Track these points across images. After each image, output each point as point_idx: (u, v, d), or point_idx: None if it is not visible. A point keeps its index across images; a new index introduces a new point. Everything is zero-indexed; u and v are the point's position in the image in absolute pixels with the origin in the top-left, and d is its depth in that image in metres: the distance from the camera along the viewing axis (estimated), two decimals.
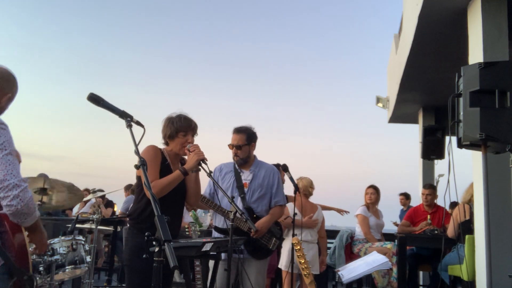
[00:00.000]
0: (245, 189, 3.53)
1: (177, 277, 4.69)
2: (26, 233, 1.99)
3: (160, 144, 2.99)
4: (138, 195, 2.87)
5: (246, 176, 3.58)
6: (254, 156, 3.67)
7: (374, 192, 5.91)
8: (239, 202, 3.48)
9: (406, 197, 7.60)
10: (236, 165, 3.61)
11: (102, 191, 7.74)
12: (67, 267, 3.58)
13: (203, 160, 2.80)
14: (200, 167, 2.84)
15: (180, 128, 2.88)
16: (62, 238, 3.64)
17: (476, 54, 3.92)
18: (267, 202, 3.58)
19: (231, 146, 3.57)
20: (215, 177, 3.63)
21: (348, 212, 5.96)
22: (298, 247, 3.09)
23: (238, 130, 3.58)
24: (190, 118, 2.95)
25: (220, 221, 3.52)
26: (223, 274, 3.06)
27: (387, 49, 8.57)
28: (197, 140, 2.98)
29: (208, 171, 2.90)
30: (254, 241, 3.43)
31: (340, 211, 5.92)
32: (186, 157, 2.96)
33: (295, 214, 3.92)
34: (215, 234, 3.56)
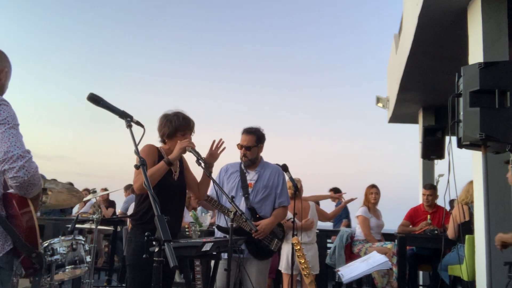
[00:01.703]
0: (250, 189, 3.53)
1: (177, 277, 4.68)
2: (34, 212, 1.96)
3: (157, 143, 2.98)
4: (140, 197, 2.86)
5: (251, 177, 3.57)
6: (261, 157, 3.66)
7: (377, 192, 5.88)
8: (242, 202, 3.48)
9: (335, 192, 7.49)
10: (243, 165, 3.60)
11: (106, 189, 7.76)
12: (67, 267, 3.57)
13: (187, 148, 2.76)
14: (200, 166, 2.85)
15: (179, 127, 2.86)
16: (62, 238, 3.63)
17: (476, 54, 3.92)
18: (270, 203, 3.58)
19: (240, 146, 3.56)
20: (220, 177, 3.64)
21: (344, 196, 5.98)
22: (298, 247, 3.08)
23: (248, 131, 3.55)
24: (188, 116, 2.93)
25: (223, 220, 3.52)
26: (223, 274, 3.06)
27: (387, 49, 8.58)
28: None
29: (207, 173, 2.90)
30: (256, 241, 3.42)
31: (333, 197, 5.95)
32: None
33: (295, 214, 3.92)
34: (217, 233, 3.57)
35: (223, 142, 3.06)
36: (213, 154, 3.03)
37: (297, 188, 3.95)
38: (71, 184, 7.46)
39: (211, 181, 3.02)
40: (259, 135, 3.57)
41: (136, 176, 2.73)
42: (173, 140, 2.88)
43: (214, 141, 3.04)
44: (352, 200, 5.90)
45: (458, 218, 4.60)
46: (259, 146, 3.58)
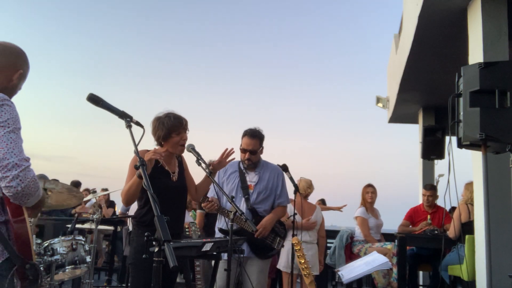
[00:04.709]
0: (250, 191, 3.52)
1: (177, 277, 4.68)
2: (28, 221, 1.86)
3: (153, 146, 2.96)
4: (141, 198, 2.86)
5: (251, 178, 3.57)
6: (260, 157, 3.66)
7: (374, 191, 5.88)
8: (243, 203, 3.47)
9: (322, 202, 7.47)
10: (242, 166, 3.60)
11: (106, 189, 7.77)
12: (67, 267, 3.58)
13: (187, 147, 2.88)
14: (200, 166, 2.85)
15: (172, 128, 2.85)
16: (62, 238, 3.64)
17: (476, 54, 3.91)
18: (270, 203, 3.59)
19: (244, 150, 3.53)
20: (219, 178, 3.64)
21: (346, 205, 6.06)
22: (298, 247, 3.08)
23: (253, 135, 3.51)
24: (179, 115, 2.92)
25: (223, 222, 3.51)
26: (223, 274, 3.06)
27: (387, 49, 8.58)
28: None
29: (208, 172, 2.90)
30: (259, 240, 3.43)
31: (338, 208, 5.98)
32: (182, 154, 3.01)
33: (295, 213, 3.91)
34: (218, 235, 3.56)
35: (233, 152, 3.13)
36: (222, 162, 3.11)
37: (297, 188, 3.94)
38: (78, 182, 7.54)
39: (212, 183, 3.04)
40: (262, 138, 3.57)
41: (125, 186, 2.74)
42: (169, 141, 2.88)
43: (226, 149, 3.10)
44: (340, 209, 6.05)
45: (461, 217, 4.60)
46: (261, 149, 3.59)
